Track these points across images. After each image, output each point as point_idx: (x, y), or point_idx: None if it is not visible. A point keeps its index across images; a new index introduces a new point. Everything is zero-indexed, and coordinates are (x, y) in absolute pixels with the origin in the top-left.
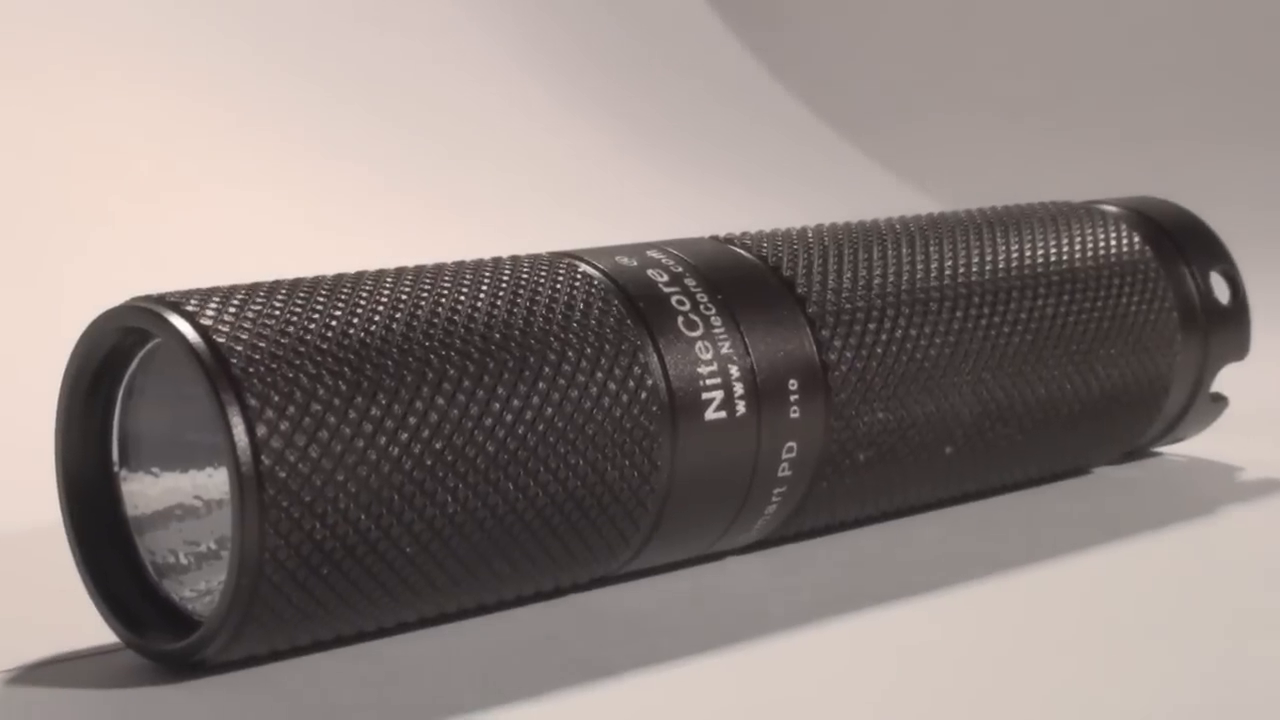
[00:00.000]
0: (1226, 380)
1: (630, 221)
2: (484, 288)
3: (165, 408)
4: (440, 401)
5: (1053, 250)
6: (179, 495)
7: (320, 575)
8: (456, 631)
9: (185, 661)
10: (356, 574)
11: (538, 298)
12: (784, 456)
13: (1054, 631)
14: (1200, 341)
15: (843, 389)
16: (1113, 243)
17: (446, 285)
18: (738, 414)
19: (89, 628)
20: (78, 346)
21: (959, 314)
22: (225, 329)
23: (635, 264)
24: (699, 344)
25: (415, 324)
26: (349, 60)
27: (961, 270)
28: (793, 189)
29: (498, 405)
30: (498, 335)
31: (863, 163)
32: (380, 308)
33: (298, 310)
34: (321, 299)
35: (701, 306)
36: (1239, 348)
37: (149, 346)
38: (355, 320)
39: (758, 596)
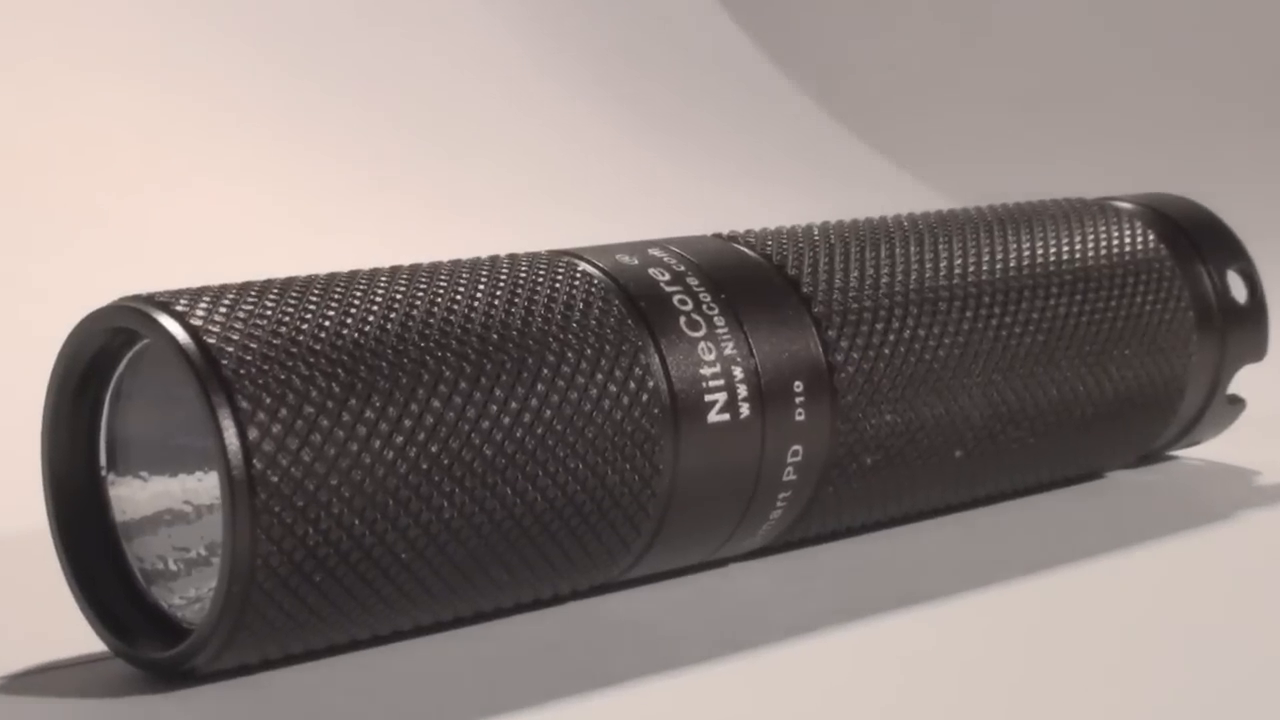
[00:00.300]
0: (1244, 382)
1: (631, 219)
2: (481, 287)
3: (154, 410)
4: (436, 404)
5: (1065, 248)
6: (168, 500)
7: (313, 582)
8: (453, 640)
9: (175, 670)
10: (351, 581)
11: (536, 297)
12: (789, 460)
13: (1066, 640)
14: (1217, 342)
15: (849, 391)
16: (1127, 240)
17: (442, 284)
18: (741, 416)
19: (76, 636)
20: (64, 348)
21: (969, 314)
22: (216, 329)
23: (636, 262)
24: (702, 345)
25: (410, 324)
26: (341, 52)
27: (972, 269)
28: (798, 185)
29: (495, 407)
30: (495, 336)
31: (870, 157)
32: (375, 308)
33: (290, 310)
34: (315, 299)
35: (704, 306)
36: (1257, 348)
37: (137, 348)
38: (349, 320)
39: (762, 604)
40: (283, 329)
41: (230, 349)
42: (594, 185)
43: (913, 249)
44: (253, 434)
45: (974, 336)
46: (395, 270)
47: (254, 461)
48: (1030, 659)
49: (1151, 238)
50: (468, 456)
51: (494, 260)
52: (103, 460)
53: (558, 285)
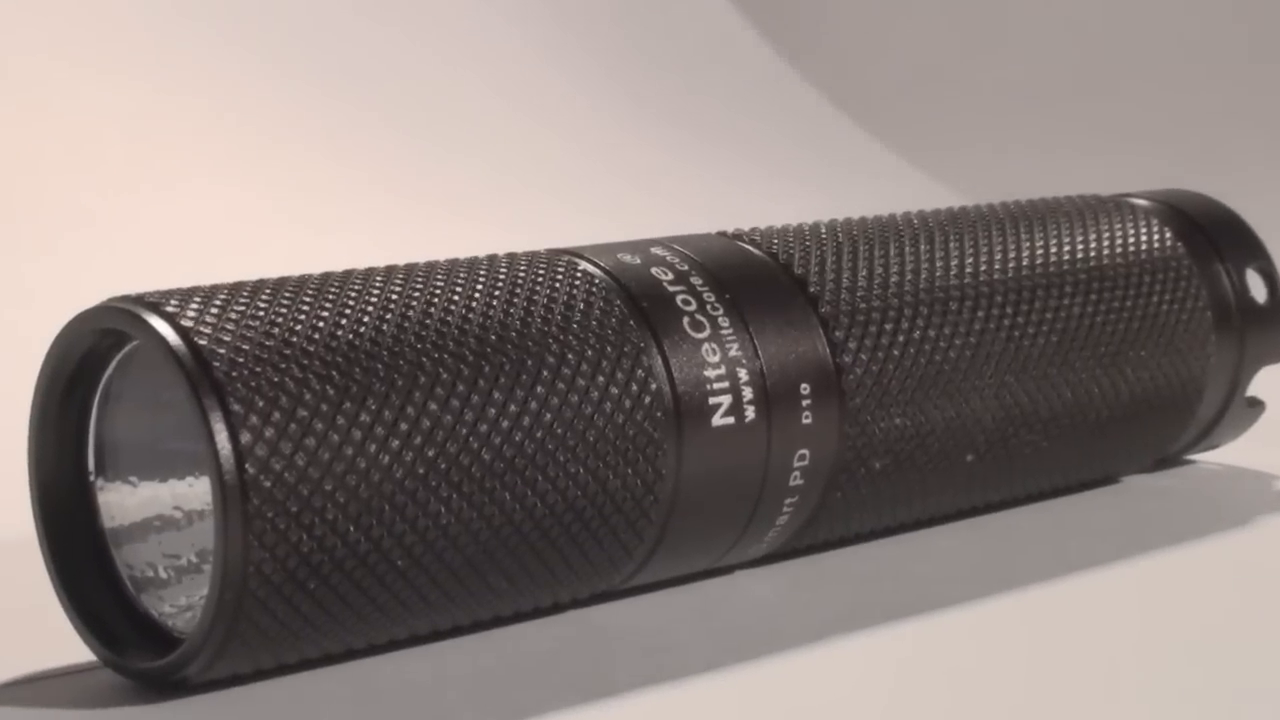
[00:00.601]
0: (1264, 383)
1: (633, 216)
2: (479, 287)
3: (144, 414)
4: (433, 407)
5: (1080, 246)
6: (158, 506)
7: (307, 590)
8: (450, 650)
9: (165, 681)
10: (345, 589)
11: (535, 297)
12: (796, 465)
13: (1081, 650)
14: (1236, 342)
15: (858, 393)
16: (1143, 238)
17: (439, 284)
18: (747, 420)
19: (64, 645)
20: (52, 350)
21: (981, 314)
22: (207, 330)
23: (638, 262)
24: (705, 346)
25: (407, 325)
26: (334, 47)
27: (984, 268)
28: (805, 182)
29: (494, 410)
30: (493, 337)
31: (879, 153)
32: (370, 308)
33: (283, 311)
34: (308, 299)
35: (708, 306)
36: (1277, 349)
37: (127, 349)
38: (343, 321)
39: (768, 612)
40: (276, 330)
41: (222, 351)
42: (595, 182)
43: (923, 247)
44: (245, 438)
45: (986, 337)
46: (391, 270)
47: (246, 466)
48: (1044, 669)
49: (1168, 235)
50: (465, 461)
51: (492, 259)
52: (91, 465)
53: (557, 285)
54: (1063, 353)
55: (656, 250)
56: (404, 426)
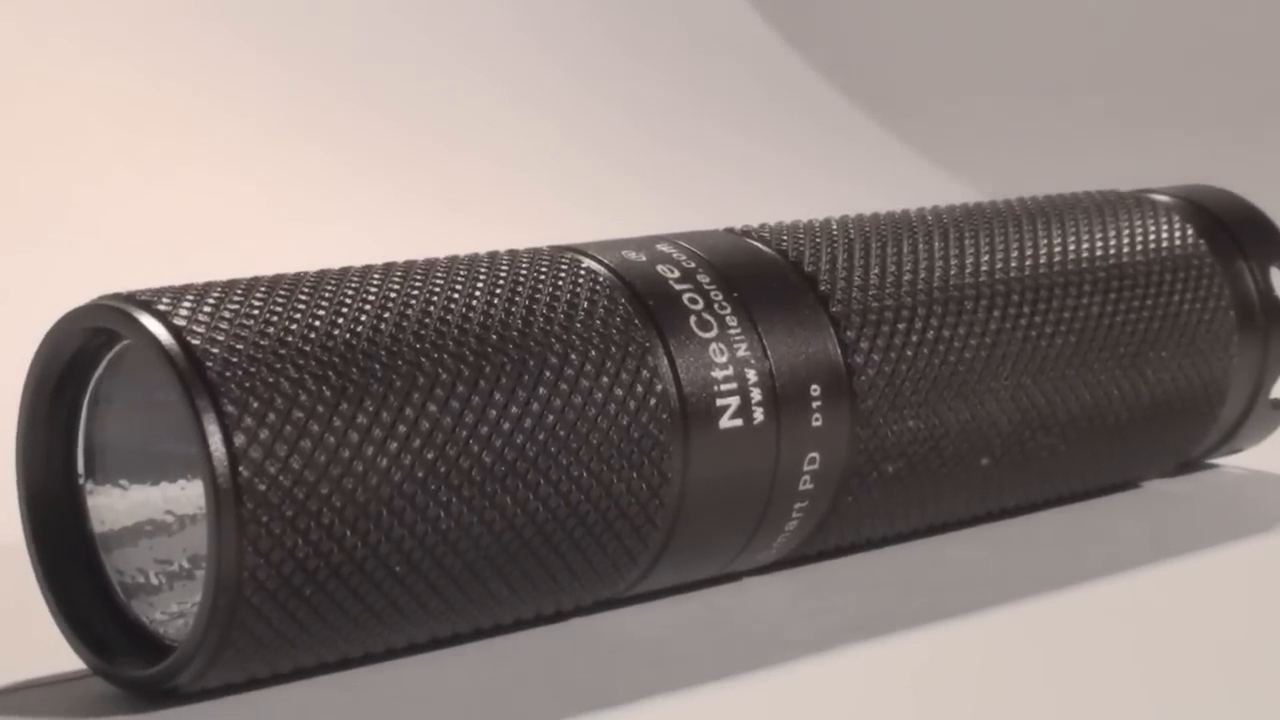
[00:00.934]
0: None
1: (638, 212)
2: (479, 285)
3: (135, 415)
4: (432, 408)
5: (1099, 244)
6: (149, 510)
7: (303, 596)
8: (450, 658)
9: (157, 689)
10: (342, 595)
11: (538, 295)
12: (805, 468)
13: (1100, 659)
14: (1259, 343)
15: (869, 395)
16: (1164, 235)
17: (439, 282)
18: (755, 422)
19: (53, 653)
20: (40, 350)
21: (997, 313)
22: (200, 330)
23: (644, 259)
24: (713, 346)
25: (405, 324)
26: (331, 34)
27: (1000, 265)
28: (816, 176)
29: (494, 412)
30: (494, 336)
31: (892, 147)
32: (367, 306)
33: (278, 309)
34: (304, 297)
35: (716, 305)
36: None
37: (117, 349)
38: (340, 320)
39: (777, 620)
40: (270, 329)
41: (215, 350)
42: (599, 176)
43: (937, 244)
44: (239, 440)
45: (1002, 337)
46: (389, 267)
47: (240, 469)
48: (1062, 680)
49: (1190, 232)
50: (465, 464)
51: (493, 256)
52: (80, 467)
53: (560, 283)
54: (1081, 353)
55: (662, 247)
56: (402, 428)
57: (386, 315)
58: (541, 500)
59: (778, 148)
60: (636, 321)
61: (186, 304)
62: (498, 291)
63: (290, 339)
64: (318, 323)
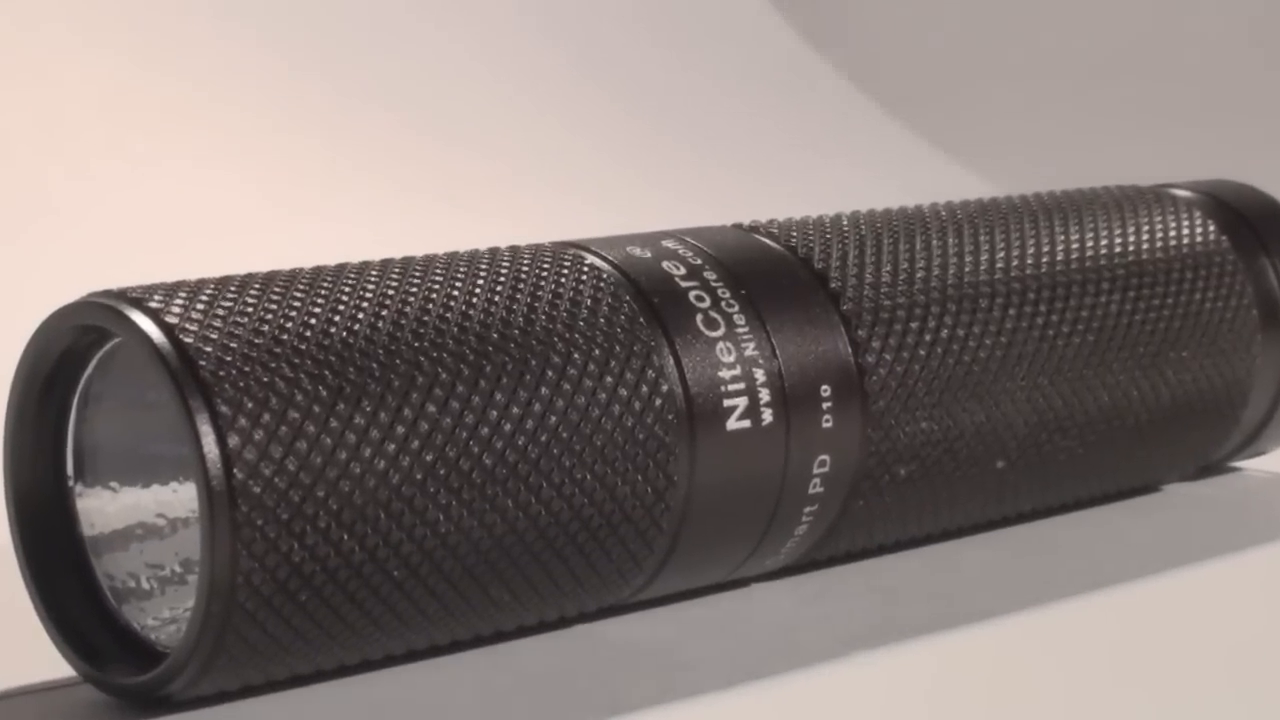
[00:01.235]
0: None
1: (643, 207)
2: (480, 282)
3: (126, 415)
4: (431, 408)
5: (1118, 240)
6: (140, 513)
7: (298, 602)
8: (450, 666)
9: (149, 697)
10: (339, 601)
11: (539, 293)
12: (815, 471)
13: (1118, 668)
14: None
15: (881, 396)
16: (1185, 232)
17: (438, 279)
18: (763, 423)
19: (42, 659)
20: (28, 348)
21: (1012, 312)
22: (193, 328)
23: (649, 255)
24: (720, 345)
25: (403, 322)
26: (327, 22)
27: (1016, 263)
28: (826, 170)
29: (495, 413)
30: (495, 335)
31: (906, 139)
32: (365, 304)
33: (273, 307)
34: (299, 294)
35: (723, 303)
36: None
37: (107, 347)
38: (337, 318)
39: (785, 628)
40: (265, 327)
41: (209, 349)
42: (602, 170)
43: (951, 240)
44: (233, 441)
45: (1018, 336)
46: (387, 263)
47: (235, 471)
48: (1078, 689)
49: (1212, 229)
50: (466, 466)
51: (494, 253)
52: (70, 469)
53: (563, 280)
54: (1099, 353)
55: (668, 243)
56: (400, 429)
57: (384, 313)
58: (544, 504)
59: (787, 140)
60: (641, 320)
61: (179, 301)
62: (498, 289)
63: (285, 337)
64: (314, 320)
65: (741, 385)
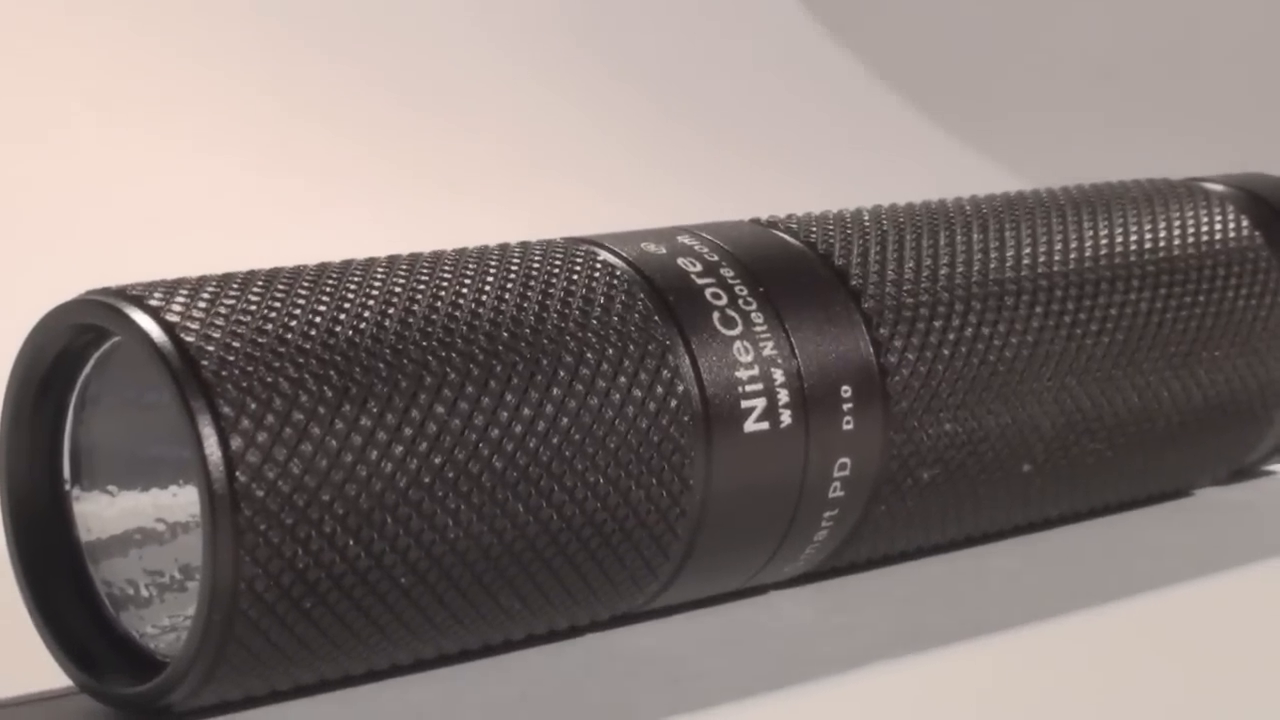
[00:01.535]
0: None
1: (659, 202)
2: (490, 279)
3: (124, 417)
4: (440, 410)
5: (1148, 235)
6: (139, 517)
7: (303, 609)
8: (458, 676)
9: (148, 708)
10: (344, 608)
11: (551, 290)
12: (836, 475)
13: (1148, 678)
14: None
15: (904, 397)
16: (1218, 227)
17: (446, 276)
18: (782, 425)
19: (38, 668)
20: (24, 348)
21: (1039, 310)
22: (194, 326)
23: (664, 251)
24: (737, 344)
25: (411, 321)
26: (332, 11)
27: (1042, 259)
28: (847, 163)
29: (505, 414)
30: (505, 334)
31: (929, 132)
32: (371, 302)
33: (277, 305)
34: (304, 292)
35: (740, 301)
36: None
37: (106, 347)
38: (342, 316)
39: (804, 637)
40: (269, 326)
41: (211, 348)
42: (617, 163)
43: (976, 236)
44: (236, 443)
45: (1045, 335)
46: (393, 260)
47: (237, 474)
48: (1107, 700)
49: (1245, 223)
50: (475, 469)
51: (504, 249)
52: (66, 473)
53: (575, 277)
54: (1129, 353)
55: (684, 239)
56: (408, 431)
57: (391, 311)
58: (555, 508)
59: (806, 132)
60: (656, 318)
61: (180, 299)
62: (509, 286)
63: (289, 336)
64: (318, 319)
65: (759, 386)
